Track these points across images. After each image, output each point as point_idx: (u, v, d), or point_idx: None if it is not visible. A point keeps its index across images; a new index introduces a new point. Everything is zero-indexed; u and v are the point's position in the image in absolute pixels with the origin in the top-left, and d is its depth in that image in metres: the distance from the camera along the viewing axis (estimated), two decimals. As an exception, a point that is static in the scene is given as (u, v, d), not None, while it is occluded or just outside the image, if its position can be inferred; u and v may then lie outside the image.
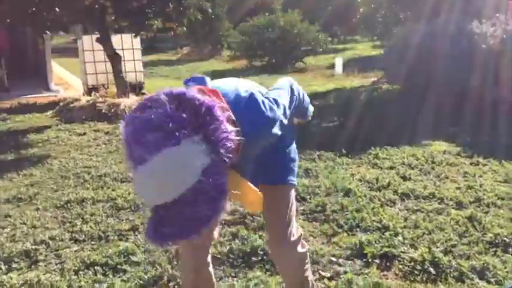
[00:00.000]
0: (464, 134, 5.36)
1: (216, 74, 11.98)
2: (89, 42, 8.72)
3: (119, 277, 2.52)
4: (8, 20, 6.82)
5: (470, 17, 7.37)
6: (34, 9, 6.63)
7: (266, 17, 14.42)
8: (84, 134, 6.02)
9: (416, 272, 2.49)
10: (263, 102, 1.43)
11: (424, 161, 4.46)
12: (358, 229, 3.02)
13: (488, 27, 6.92)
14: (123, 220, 3.27)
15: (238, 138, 1.20)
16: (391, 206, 3.41)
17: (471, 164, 4.37)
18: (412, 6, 10.84)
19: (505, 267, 2.50)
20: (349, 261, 2.64)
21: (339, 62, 11.85)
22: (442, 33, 7.08)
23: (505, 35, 6.67)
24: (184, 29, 7.86)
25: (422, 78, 6.87)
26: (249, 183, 1.41)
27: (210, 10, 8.01)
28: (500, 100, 5.79)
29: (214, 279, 1.97)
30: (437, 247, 2.72)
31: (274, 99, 1.49)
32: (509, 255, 2.64)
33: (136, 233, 3.04)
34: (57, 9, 6.72)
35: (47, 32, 7.26)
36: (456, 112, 5.97)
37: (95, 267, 2.60)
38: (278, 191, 1.80)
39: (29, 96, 9.04)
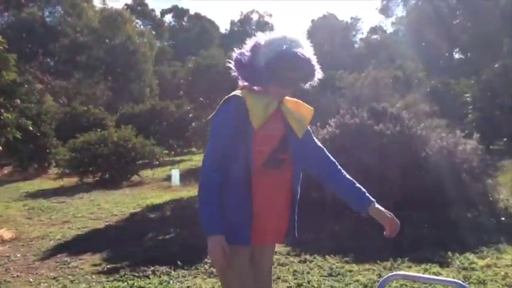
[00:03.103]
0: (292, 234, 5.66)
1: (43, 194, 11.08)
2: None
3: None
4: None
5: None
6: None
7: (98, 133, 14.14)
8: None
9: None
10: None
11: (257, 264, 4.54)
12: None
13: None
14: None
15: None
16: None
17: (299, 261, 4.58)
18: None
19: None
20: None
21: (175, 173, 11.98)
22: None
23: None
24: (0, 148, 7.15)
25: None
26: None
27: (31, 128, 7.45)
28: (319, 200, 6.32)
29: None
30: None
31: None
32: None
33: None
34: None
35: None
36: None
37: None
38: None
39: None
